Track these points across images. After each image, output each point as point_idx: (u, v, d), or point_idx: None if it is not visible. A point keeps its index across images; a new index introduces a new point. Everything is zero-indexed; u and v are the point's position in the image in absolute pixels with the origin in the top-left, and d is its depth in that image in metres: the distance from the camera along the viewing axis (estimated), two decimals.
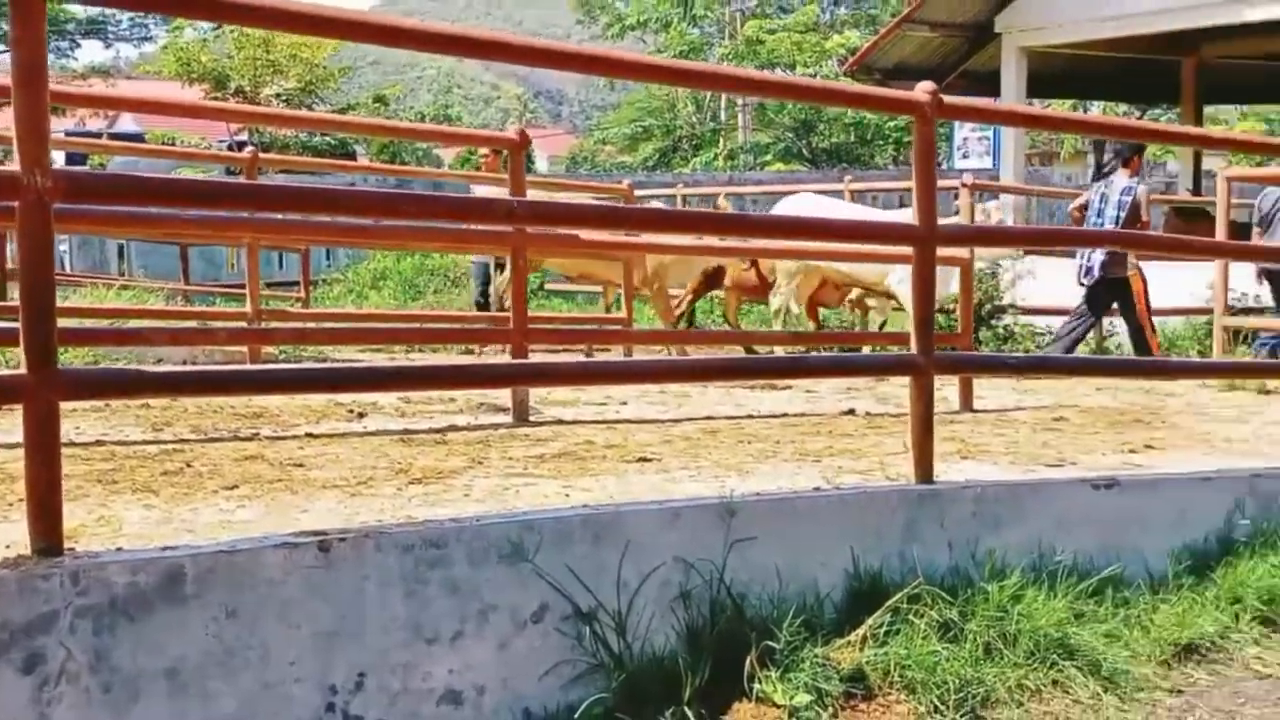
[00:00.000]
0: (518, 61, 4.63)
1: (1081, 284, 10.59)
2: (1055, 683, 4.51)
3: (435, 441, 5.89)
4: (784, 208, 11.51)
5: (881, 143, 35.41)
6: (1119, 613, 4.93)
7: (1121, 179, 10.49)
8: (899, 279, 10.45)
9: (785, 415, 7.17)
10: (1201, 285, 12.16)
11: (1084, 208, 10.72)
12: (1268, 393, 8.57)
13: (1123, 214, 10.27)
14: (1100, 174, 32.83)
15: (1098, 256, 10.36)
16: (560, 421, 6.69)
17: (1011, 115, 7.46)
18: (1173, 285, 12.21)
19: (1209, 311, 10.82)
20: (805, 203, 11.53)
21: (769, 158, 34.59)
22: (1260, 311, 11.33)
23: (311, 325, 9.56)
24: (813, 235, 6.26)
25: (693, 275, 12.16)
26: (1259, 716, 4.44)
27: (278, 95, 27.23)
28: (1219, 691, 4.66)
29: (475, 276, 13.41)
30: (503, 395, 6.95)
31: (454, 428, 6.37)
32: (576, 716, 3.92)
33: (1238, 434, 6.94)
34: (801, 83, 6.44)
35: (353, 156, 30.67)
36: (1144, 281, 10.64)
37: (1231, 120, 35.28)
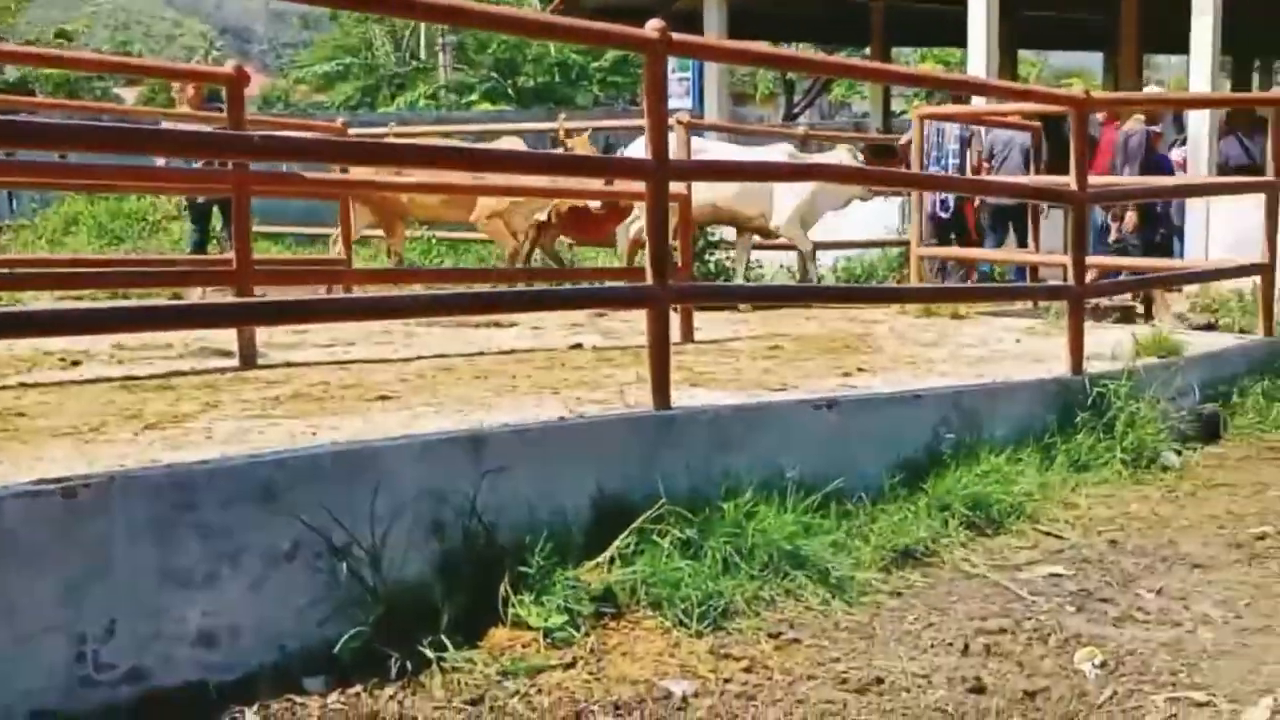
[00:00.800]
0: None
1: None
2: (788, 592, 4.77)
3: (161, 387, 5.71)
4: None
5: (586, 83, 35.70)
6: (843, 524, 5.24)
7: (952, 127, 11.15)
8: (786, 218, 10.76)
9: (515, 351, 7.25)
10: (893, 219, 12.88)
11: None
12: (960, 317, 9.18)
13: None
14: (791, 115, 33.95)
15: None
16: (289, 364, 6.58)
17: (742, 54, 7.69)
18: (867, 219, 12.86)
19: (904, 243, 11.47)
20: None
21: (474, 97, 34.38)
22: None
23: (4, 271, 9.01)
24: (546, 170, 6.32)
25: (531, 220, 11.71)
26: (967, 611, 4.81)
27: None
28: (933, 591, 5.03)
29: (192, 220, 12.83)
30: (224, 339, 6.77)
31: (178, 373, 6.19)
32: (335, 651, 3.92)
33: (938, 355, 7.44)
34: (537, 18, 6.49)
35: (31, 94, 28.80)
36: None
37: (911, 62, 37.05)
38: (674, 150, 10.12)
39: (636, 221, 10.77)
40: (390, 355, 7.02)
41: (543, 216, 11.55)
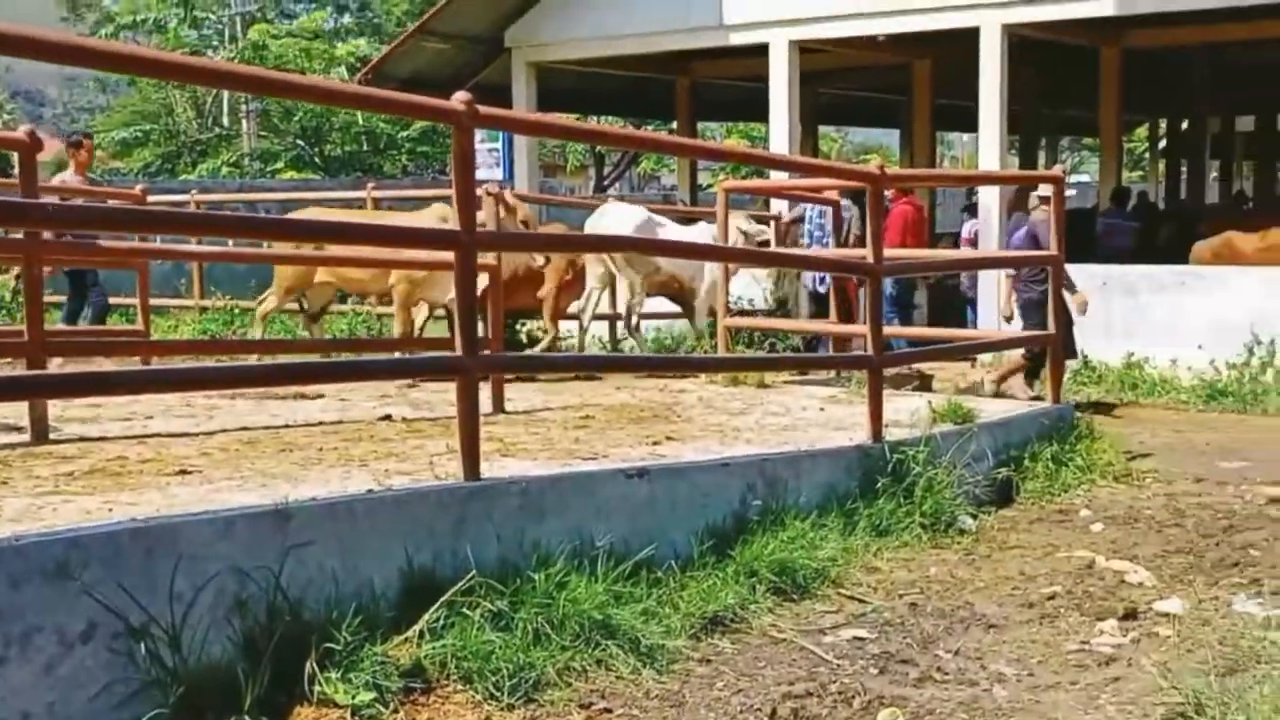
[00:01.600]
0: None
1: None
2: (600, 661, 4.79)
3: None
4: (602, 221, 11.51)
5: (394, 152, 35.50)
6: (654, 592, 5.29)
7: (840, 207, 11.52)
8: (706, 285, 11.50)
9: (323, 423, 7.13)
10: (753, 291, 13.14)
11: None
12: (766, 386, 9.37)
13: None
14: (601, 186, 34.36)
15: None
16: (84, 439, 6.36)
17: (547, 126, 7.79)
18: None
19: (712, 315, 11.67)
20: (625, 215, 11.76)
21: (280, 165, 33.85)
22: (754, 313, 12.33)
23: None
24: (359, 239, 6.26)
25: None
26: (774, 676, 4.89)
27: None
28: (741, 658, 5.11)
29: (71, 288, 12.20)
30: (15, 413, 6.51)
31: None
32: None
33: (745, 424, 7.58)
34: (349, 89, 6.44)
35: None
36: None
37: (718, 136, 37.93)
38: (488, 220, 10.18)
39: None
40: (191, 429, 6.83)
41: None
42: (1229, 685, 4.50)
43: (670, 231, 11.73)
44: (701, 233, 12.02)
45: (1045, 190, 10.36)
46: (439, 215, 10.32)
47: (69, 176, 11.60)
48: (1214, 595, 5.91)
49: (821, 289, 11.87)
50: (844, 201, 11.54)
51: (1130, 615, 5.64)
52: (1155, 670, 4.90)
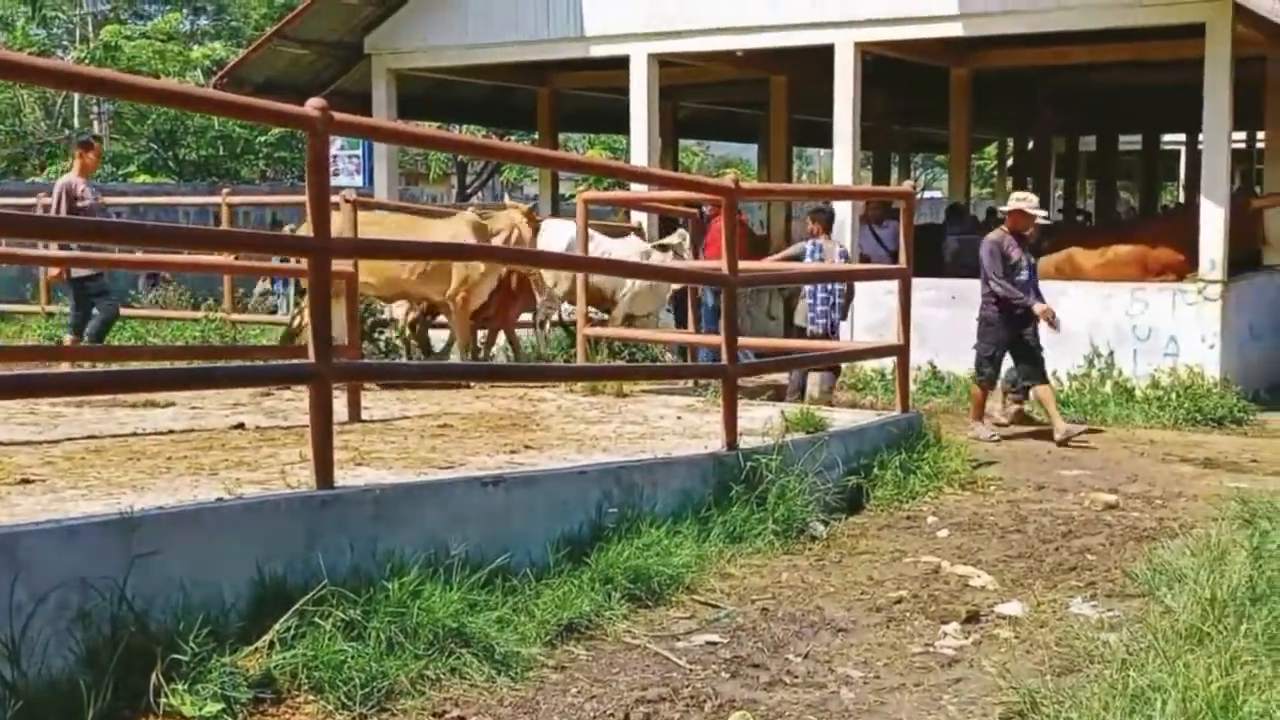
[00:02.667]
0: None
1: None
2: (454, 670, 4.79)
3: None
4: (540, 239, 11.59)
5: (251, 157, 34.86)
6: (509, 600, 5.30)
7: (828, 243, 11.34)
8: (627, 295, 12.05)
9: (173, 432, 7.00)
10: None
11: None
12: (624, 395, 9.44)
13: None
14: (464, 195, 34.18)
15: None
16: None
17: (404, 134, 7.76)
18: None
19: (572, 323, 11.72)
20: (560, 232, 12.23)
21: (133, 168, 32.99)
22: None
23: None
24: (215, 245, 6.17)
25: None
26: (628, 682, 4.95)
27: None
28: (596, 664, 5.15)
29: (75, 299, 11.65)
30: None
31: None
32: None
33: (603, 433, 7.63)
34: (200, 92, 6.34)
35: None
36: None
37: (580, 147, 38.00)
38: (342, 228, 10.09)
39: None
40: (35, 437, 6.66)
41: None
42: (1064, 684, 4.67)
43: (600, 245, 12.12)
44: (627, 246, 12.48)
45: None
46: (469, 222, 10.82)
47: (73, 179, 11.05)
48: (1052, 598, 6.13)
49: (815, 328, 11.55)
50: (816, 242, 11.43)
51: (973, 618, 5.82)
52: (995, 671, 5.07)
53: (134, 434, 6.85)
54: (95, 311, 11.14)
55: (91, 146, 11.49)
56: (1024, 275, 10.60)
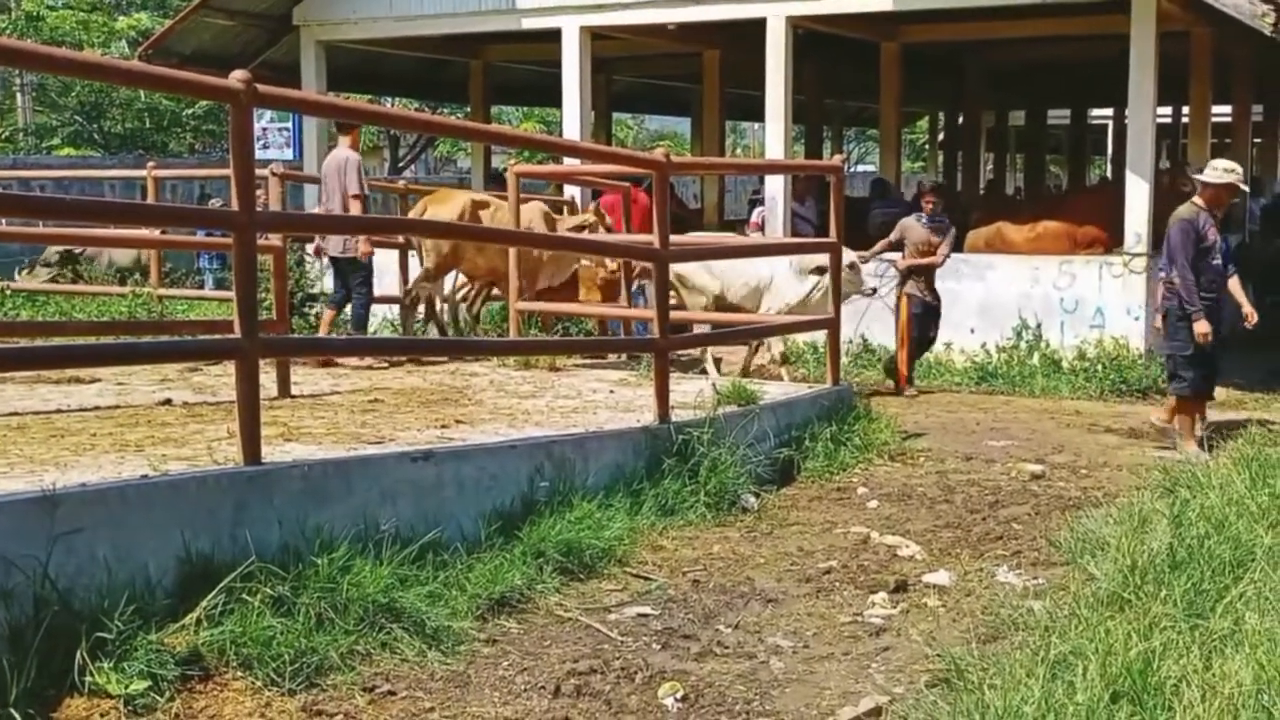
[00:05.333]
0: None
1: None
2: (384, 645, 4.79)
3: None
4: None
5: (179, 130, 34.33)
6: (439, 575, 5.30)
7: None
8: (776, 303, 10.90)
9: (98, 408, 6.91)
10: None
11: None
12: (557, 370, 9.43)
13: None
14: (397, 168, 33.93)
15: None
16: None
17: (325, 105, 7.67)
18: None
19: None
20: None
21: (57, 141, 32.40)
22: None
23: None
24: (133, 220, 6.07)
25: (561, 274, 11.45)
26: (560, 654, 4.97)
27: None
28: (527, 637, 5.17)
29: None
30: None
31: None
32: None
33: (535, 407, 7.62)
34: (116, 64, 6.19)
35: None
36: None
37: (515, 120, 37.77)
38: (272, 202, 9.99)
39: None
40: None
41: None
42: (989, 652, 4.75)
43: (755, 267, 11.26)
44: (777, 265, 11.34)
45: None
46: (540, 210, 11.03)
47: None
48: (979, 567, 6.22)
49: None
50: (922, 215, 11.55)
51: (901, 588, 5.89)
52: (922, 639, 5.14)
53: (58, 411, 6.75)
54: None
55: None
56: (1217, 260, 8.87)
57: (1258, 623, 4.31)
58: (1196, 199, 8.94)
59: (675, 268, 10.72)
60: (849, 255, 10.61)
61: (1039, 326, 12.22)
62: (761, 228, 14.21)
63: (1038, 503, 7.48)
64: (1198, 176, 9.19)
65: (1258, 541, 5.33)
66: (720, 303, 11.12)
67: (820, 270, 10.51)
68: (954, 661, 4.58)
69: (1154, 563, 5.20)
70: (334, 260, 10.61)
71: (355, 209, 9.88)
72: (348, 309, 10.50)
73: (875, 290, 11.29)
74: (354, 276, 10.42)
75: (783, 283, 10.89)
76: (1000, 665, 4.40)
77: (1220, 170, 8.95)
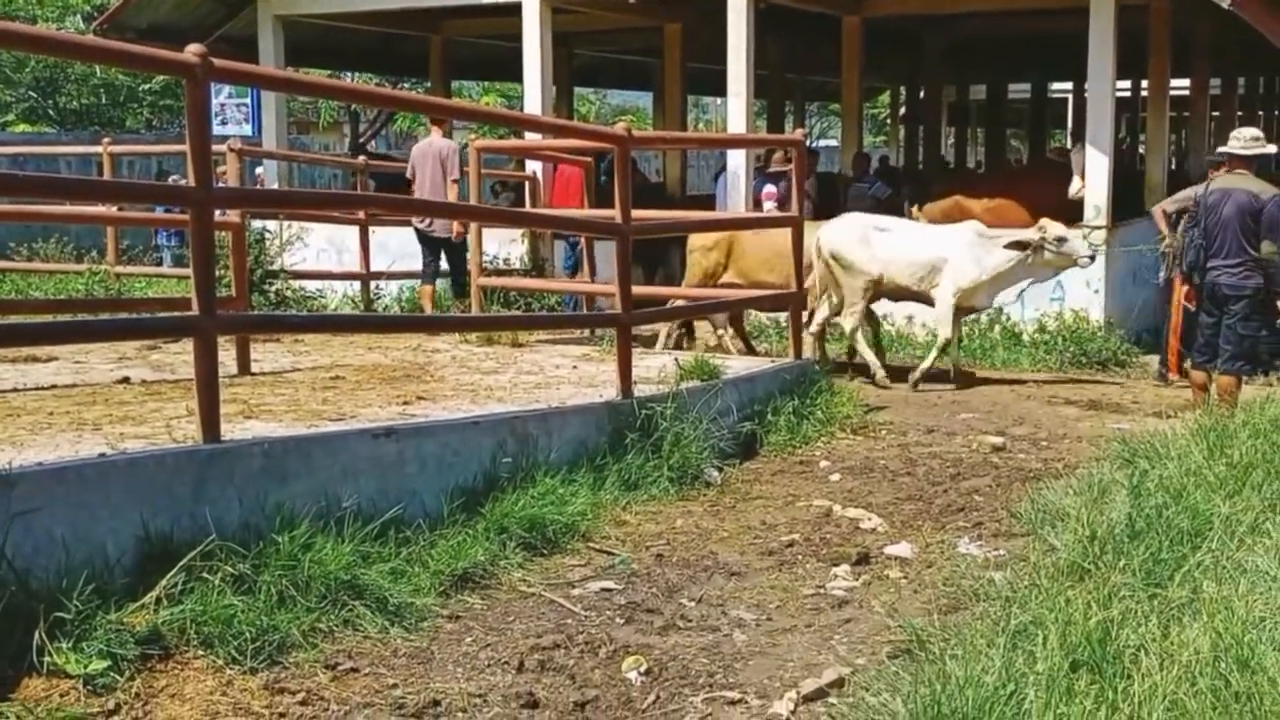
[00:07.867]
0: None
1: None
2: (347, 622, 4.77)
3: None
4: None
5: (136, 106, 33.96)
6: (402, 551, 5.28)
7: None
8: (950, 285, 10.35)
9: (55, 387, 6.84)
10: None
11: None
12: (520, 345, 9.41)
13: None
14: (357, 144, 33.76)
15: None
16: None
17: (283, 80, 7.61)
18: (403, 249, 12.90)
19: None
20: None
21: (11, 117, 32.01)
22: (510, 273, 12.35)
23: None
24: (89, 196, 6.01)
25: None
26: (523, 630, 4.97)
27: None
28: (491, 613, 5.16)
29: None
30: None
31: None
32: None
33: (497, 383, 7.60)
34: (68, 38, 6.11)
35: None
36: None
37: (475, 94, 37.54)
38: (230, 178, 9.90)
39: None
40: None
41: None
42: (950, 622, 4.78)
43: (895, 234, 10.76)
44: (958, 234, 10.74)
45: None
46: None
47: None
48: (940, 539, 6.25)
49: None
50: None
51: (863, 560, 5.92)
52: (884, 611, 5.17)
53: (14, 390, 6.68)
54: None
55: None
56: None
57: (1215, 591, 4.35)
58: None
59: (831, 246, 10.45)
60: (1055, 228, 10.13)
61: None
62: (778, 200, 14.00)
63: (998, 475, 7.53)
64: (1223, 149, 8.63)
65: (1215, 511, 5.37)
66: (877, 286, 10.56)
67: (1020, 245, 10.04)
68: (916, 632, 4.61)
69: (1113, 533, 5.24)
70: (432, 239, 11.76)
71: (454, 194, 11.06)
72: (437, 283, 11.97)
73: (1092, 259, 10.59)
74: (455, 255, 11.75)
75: (960, 263, 10.38)
76: (961, 636, 4.42)
77: (1246, 140, 8.43)
